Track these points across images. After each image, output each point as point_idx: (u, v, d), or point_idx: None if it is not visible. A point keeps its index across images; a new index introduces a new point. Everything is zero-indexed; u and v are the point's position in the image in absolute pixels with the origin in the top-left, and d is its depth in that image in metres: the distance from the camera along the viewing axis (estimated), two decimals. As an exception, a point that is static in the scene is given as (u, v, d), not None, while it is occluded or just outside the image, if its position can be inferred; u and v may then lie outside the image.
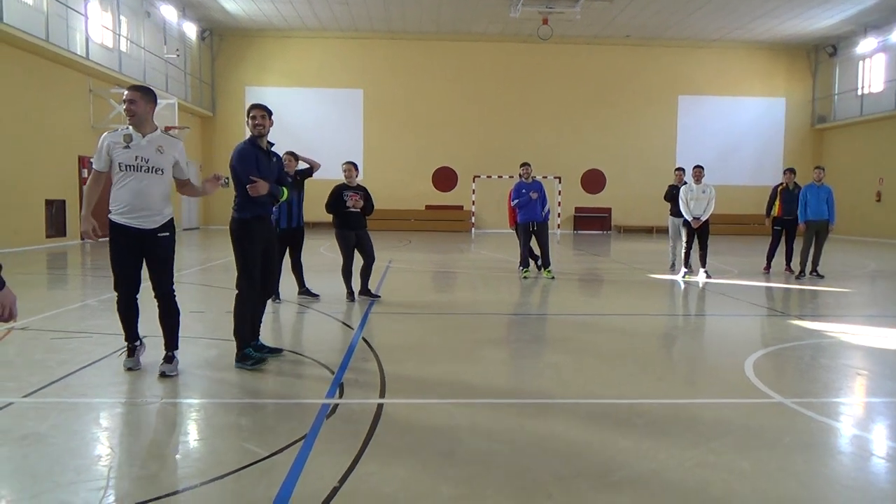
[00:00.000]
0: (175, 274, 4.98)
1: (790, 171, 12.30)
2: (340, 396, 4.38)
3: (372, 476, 3.15)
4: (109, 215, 4.69)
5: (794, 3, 21.96)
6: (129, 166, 4.61)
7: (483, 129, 27.12)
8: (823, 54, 27.16)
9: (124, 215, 4.63)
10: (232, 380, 4.78)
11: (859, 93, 25.64)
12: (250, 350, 5.12)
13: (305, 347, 6.05)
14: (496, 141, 26.89)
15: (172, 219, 4.90)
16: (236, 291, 5.20)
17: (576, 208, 27.54)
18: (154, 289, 4.87)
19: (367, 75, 26.87)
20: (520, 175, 11.26)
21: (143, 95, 4.69)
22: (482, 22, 24.86)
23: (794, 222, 11.97)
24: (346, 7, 23.28)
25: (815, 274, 11.60)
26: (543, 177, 23.86)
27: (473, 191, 26.32)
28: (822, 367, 5.50)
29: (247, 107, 5.35)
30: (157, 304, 4.91)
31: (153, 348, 5.24)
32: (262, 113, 5.15)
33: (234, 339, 5.14)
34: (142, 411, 4.09)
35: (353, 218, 8.34)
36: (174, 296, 4.94)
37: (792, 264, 12.07)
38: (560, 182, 25.99)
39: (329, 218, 8.47)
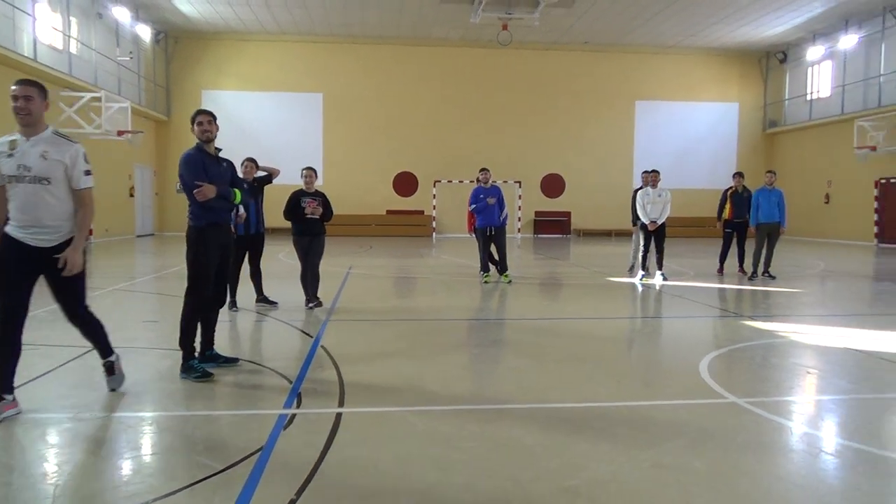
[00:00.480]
0: (86, 294, 4.32)
1: (739, 175, 12.63)
2: (298, 406, 4.31)
3: (329, 487, 3.10)
4: (5, 227, 4.05)
5: (747, 11, 22.57)
6: (12, 177, 3.95)
7: (444, 134, 27.18)
8: (774, 61, 27.97)
9: (20, 230, 3.99)
10: (185, 391, 4.67)
11: (808, 98, 26.47)
12: (195, 362, 5.01)
13: (263, 356, 5.95)
14: (457, 146, 26.96)
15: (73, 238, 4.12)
16: (185, 300, 5.08)
17: (536, 212, 27.78)
18: (63, 312, 4.27)
19: (327, 79, 26.69)
20: (478, 180, 11.32)
21: (40, 91, 4.05)
22: (443, 27, 24.93)
23: (744, 225, 12.33)
24: (305, 10, 23.09)
25: (766, 275, 11.92)
26: (504, 181, 24.02)
27: (434, 196, 26.34)
28: (773, 366, 5.63)
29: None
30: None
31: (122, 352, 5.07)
32: (208, 118, 5.07)
33: (181, 349, 5.04)
34: (90, 426, 3.95)
35: (311, 224, 8.24)
36: (90, 314, 4.34)
37: (745, 265, 12.38)
38: (520, 186, 26.17)
39: (288, 224, 8.36)
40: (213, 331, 5.35)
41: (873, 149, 21.41)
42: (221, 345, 5.58)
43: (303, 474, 3.21)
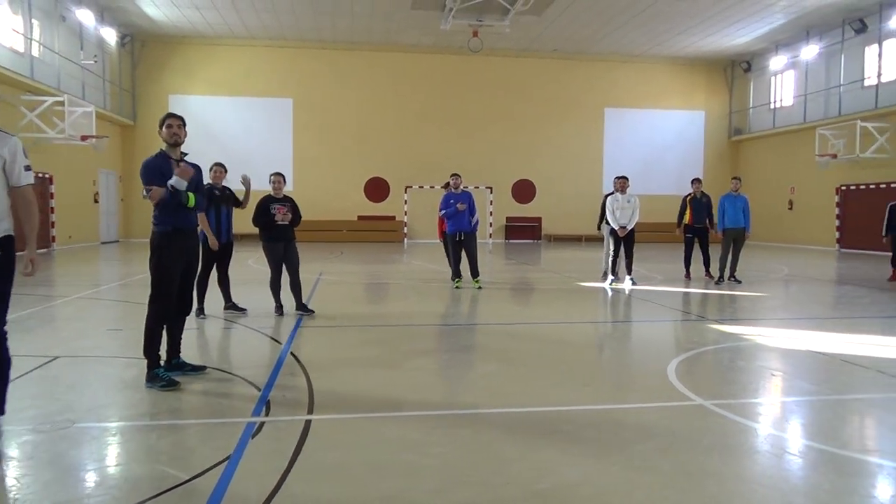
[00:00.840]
0: (8, 311, 3.76)
1: (697, 181, 12.89)
2: (267, 414, 4.26)
3: (298, 496, 3.07)
4: None
5: (712, 22, 23.02)
6: None
7: (415, 139, 27.18)
8: (739, 70, 28.55)
9: None
10: (150, 400, 4.58)
11: (772, 107, 27.07)
12: (161, 370, 4.92)
13: (231, 364, 5.87)
14: (428, 151, 26.99)
15: (10, 237, 3.73)
16: (149, 307, 4.99)
17: (507, 218, 27.91)
18: None
19: (297, 84, 26.53)
20: (447, 184, 11.40)
21: None
22: (413, 33, 24.96)
23: (704, 230, 12.60)
24: (274, 15, 22.92)
25: (732, 279, 12.14)
26: (475, 187, 24.13)
27: (406, 201, 26.32)
28: (739, 369, 5.73)
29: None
30: None
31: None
32: (178, 122, 5.04)
33: (145, 358, 4.95)
34: (51, 438, 3.84)
35: (283, 230, 8.19)
36: (5, 341, 3.74)
37: (711, 269, 12.60)
38: (491, 192, 26.30)
39: (256, 230, 8.28)
40: (180, 339, 5.27)
41: (834, 156, 21.98)
42: (189, 353, 5.50)
43: (271, 483, 3.17)
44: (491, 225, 26.68)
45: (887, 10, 20.54)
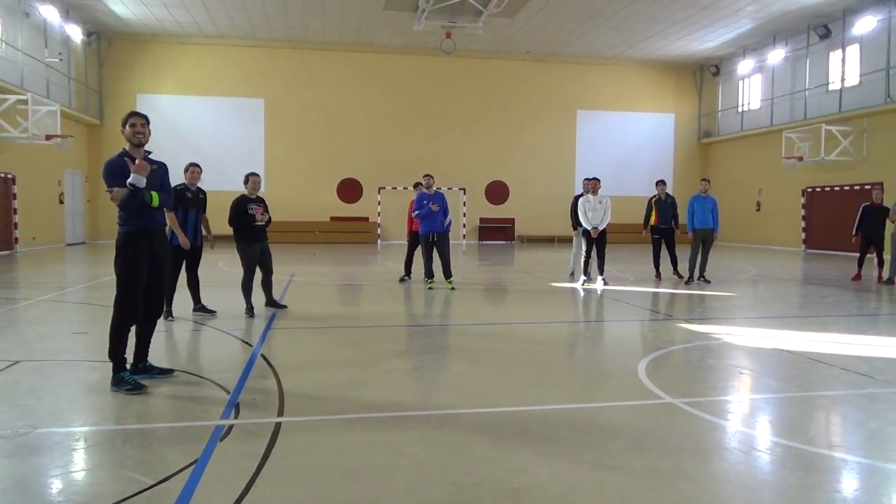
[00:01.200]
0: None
1: (661, 183, 13.08)
2: (236, 417, 4.20)
3: (267, 499, 3.02)
4: None
5: (682, 26, 23.35)
6: None
7: (388, 140, 27.10)
8: (708, 74, 29.01)
9: None
10: (115, 404, 4.48)
11: (740, 110, 27.55)
12: (126, 374, 4.82)
13: (200, 367, 5.77)
14: (401, 152, 26.93)
15: None
16: (114, 309, 4.87)
17: (480, 219, 27.97)
18: None
19: (269, 84, 26.27)
20: (417, 184, 11.55)
21: None
22: (386, 34, 24.89)
23: (670, 230, 12.79)
24: (245, 14, 22.68)
25: (702, 279, 12.31)
26: (448, 188, 24.11)
27: (379, 202, 26.21)
28: (708, 367, 5.80)
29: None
30: None
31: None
32: (142, 121, 4.92)
33: (110, 361, 4.84)
34: (12, 443, 3.74)
35: (259, 231, 8.21)
36: None
37: (679, 269, 12.78)
38: (464, 193, 26.29)
39: (229, 231, 8.20)
40: (149, 342, 5.17)
41: (800, 159, 22.43)
42: (156, 356, 5.39)
43: (239, 487, 3.12)
44: (464, 226, 26.67)
45: (850, 16, 21.04)
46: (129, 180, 4.72)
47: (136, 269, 4.84)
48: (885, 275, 12.43)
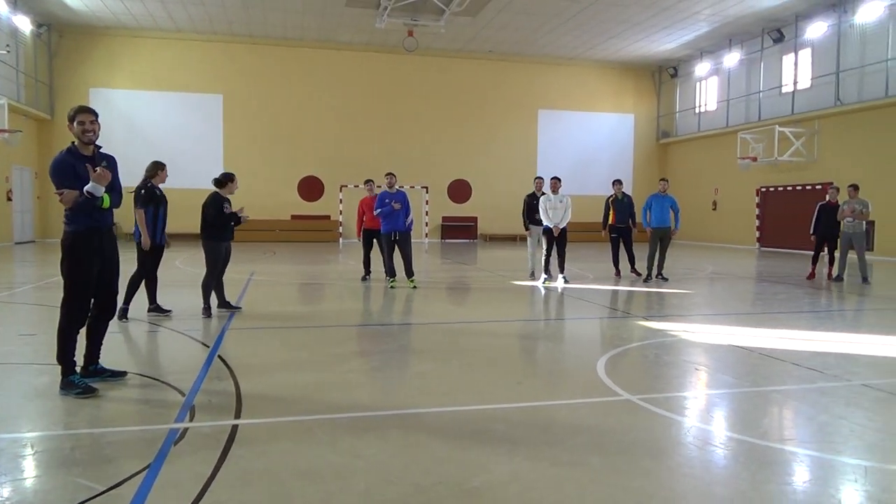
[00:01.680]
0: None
1: (618, 183, 13.29)
2: (191, 420, 4.10)
3: (222, 503, 2.96)
4: None
5: (641, 28, 23.72)
6: None
7: (350, 138, 26.90)
8: (666, 75, 29.53)
9: None
10: (65, 409, 4.35)
11: (697, 111, 28.12)
12: (76, 377, 4.67)
13: (154, 369, 5.63)
14: (363, 150, 26.76)
15: None
16: (61, 311, 4.71)
17: (443, 217, 27.97)
18: None
19: (228, 80, 25.82)
20: (367, 181, 11.76)
21: None
22: (347, 31, 24.70)
23: (627, 229, 13.01)
24: (202, 8, 22.23)
25: (660, 277, 12.53)
26: (411, 186, 24.08)
27: (341, 200, 26.04)
28: (665, 364, 5.90)
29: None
30: None
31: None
32: (90, 117, 4.69)
33: (59, 364, 4.69)
34: (-47, 450, 3.59)
35: (230, 230, 8.23)
36: None
37: (637, 266, 13.00)
38: (427, 192, 26.31)
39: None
40: (100, 345, 5.01)
41: (754, 159, 23.00)
42: (109, 358, 5.23)
43: (194, 491, 3.05)
44: (427, 224, 26.69)
45: (802, 21, 21.66)
46: (86, 188, 4.50)
47: (83, 270, 4.68)
48: (835, 272, 12.81)
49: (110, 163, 4.82)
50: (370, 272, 12.22)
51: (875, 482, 3.31)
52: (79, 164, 4.62)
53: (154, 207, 7.71)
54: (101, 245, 4.77)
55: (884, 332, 7.43)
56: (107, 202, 4.68)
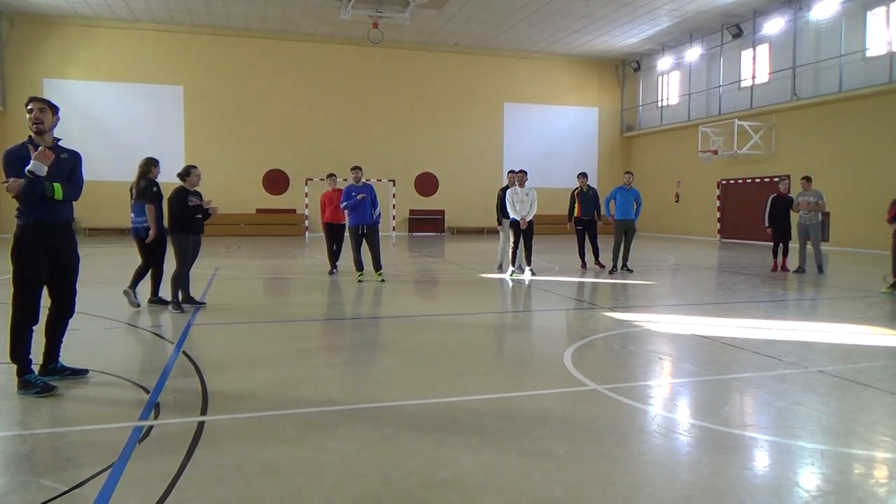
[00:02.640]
0: None
1: (583, 176, 13.42)
2: (156, 418, 4.04)
3: (189, 501, 2.93)
4: None
5: (604, 22, 23.96)
6: None
7: (315, 131, 26.66)
8: (629, 69, 29.91)
9: None
10: (22, 408, 4.24)
11: (659, 105, 28.55)
12: (33, 376, 4.55)
13: (117, 367, 5.51)
14: (329, 143, 26.55)
15: None
16: (11, 307, 4.56)
17: (410, 210, 27.95)
18: None
19: (188, 72, 25.33)
20: (329, 175, 11.82)
21: None
22: (311, 22, 24.42)
23: (592, 221, 13.15)
24: (162, -2, 21.76)
25: (625, 269, 12.72)
26: (378, 180, 23.97)
27: (306, 194, 25.78)
28: (630, 353, 6.00)
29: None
30: None
31: None
32: (40, 106, 4.55)
33: (13, 363, 4.56)
34: None
35: (199, 223, 8.21)
36: None
37: (601, 258, 13.16)
38: (394, 185, 26.22)
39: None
40: (58, 343, 4.88)
41: (715, 152, 23.47)
42: (69, 356, 5.10)
43: (159, 490, 3.01)
44: (394, 218, 26.60)
45: (760, 17, 22.14)
46: (27, 167, 4.34)
47: (30, 266, 4.51)
48: (792, 264, 13.02)
49: (73, 157, 4.70)
50: (337, 266, 12.16)
51: (830, 465, 3.43)
52: (29, 153, 4.45)
53: (158, 202, 8.08)
54: (53, 241, 4.61)
55: (838, 321, 7.68)
56: (59, 193, 4.50)
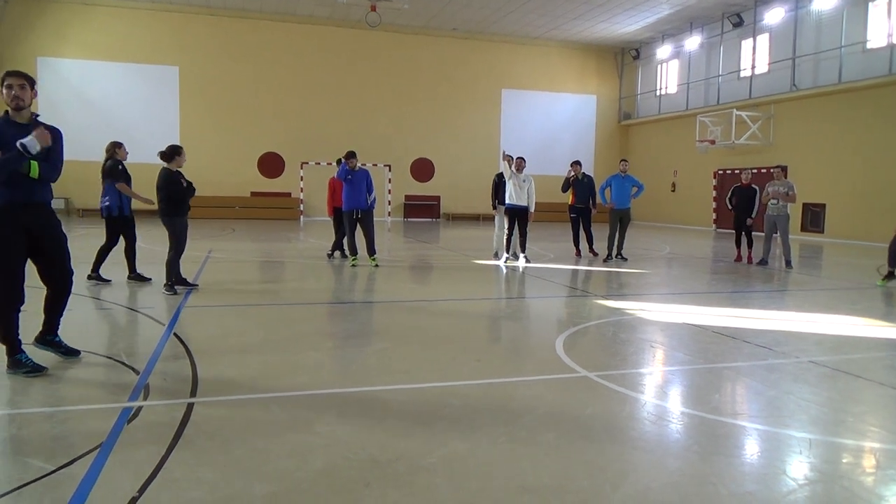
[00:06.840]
0: None
1: (577, 164, 13.34)
2: (145, 399, 4.03)
3: (177, 481, 2.92)
4: None
5: (604, 9, 23.80)
6: None
7: (311, 114, 26.49)
8: (628, 57, 29.76)
9: None
10: (12, 388, 4.22)
11: (658, 93, 28.45)
12: (23, 356, 4.50)
13: (108, 348, 5.50)
14: (325, 127, 26.40)
15: None
16: None
17: (406, 196, 27.88)
18: None
19: (184, 52, 25.10)
20: (340, 161, 11.56)
21: None
22: (309, 4, 24.20)
23: (587, 210, 13.09)
24: (158, -23, 21.52)
25: (619, 257, 12.72)
26: (374, 164, 23.87)
27: (302, 177, 25.70)
28: (621, 341, 6.01)
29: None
30: None
31: None
32: (20, 82, 4.39)
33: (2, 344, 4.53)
34: None
35: (188, 204, 8.21)
36: None
37: (595, 246, 13.16)
38: (390, 170, 26.14)
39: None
40: (58, 315, 4.77)
41: (712, 142, 23.43)
42: (63, 337, 5.07)
43: (147, 469, 3.00)
44: (389, 203, 26.55)
45: (762, 6, 22.01)
46: (22, 140, 4.21)
47: (9, 247, 4.38)
48: (757, 256, 12.47)
49: (54, 134, 4.52)
50: (337, 250, 12.11)
51: (818, 454, 3.44)
52: (8, 130, 4.32)
53: (128, 180, 8.50)
54: (28, 222, 4.44)
55: (832, 312, 7.70)
56: (34, 171, 4.34)
